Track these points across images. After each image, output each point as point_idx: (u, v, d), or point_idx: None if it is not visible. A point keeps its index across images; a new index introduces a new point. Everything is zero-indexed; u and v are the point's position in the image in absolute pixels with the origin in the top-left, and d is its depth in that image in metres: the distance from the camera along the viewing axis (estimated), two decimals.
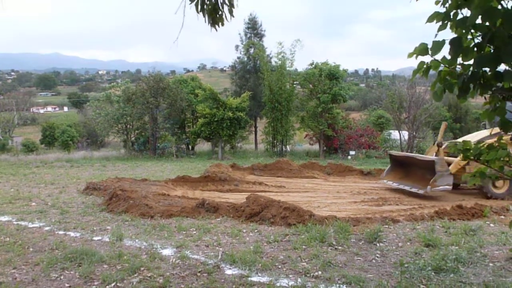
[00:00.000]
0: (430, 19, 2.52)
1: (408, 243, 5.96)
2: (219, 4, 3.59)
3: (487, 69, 2.43)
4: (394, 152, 13.01)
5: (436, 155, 11.29)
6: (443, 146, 11.69)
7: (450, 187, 10.53)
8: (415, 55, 2.55)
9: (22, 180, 13.81)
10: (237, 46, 30.54)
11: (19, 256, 5.40)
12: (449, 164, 10.69)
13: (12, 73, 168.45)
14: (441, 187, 10.36)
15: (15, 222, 7.41)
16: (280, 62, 25.14)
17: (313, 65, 25.76)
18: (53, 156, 25.00)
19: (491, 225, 7.02)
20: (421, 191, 10.30)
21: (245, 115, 24.27)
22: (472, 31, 2.38)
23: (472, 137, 11.51)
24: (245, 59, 30.52)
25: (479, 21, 2.31)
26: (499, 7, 2.29)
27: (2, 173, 15.95)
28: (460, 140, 11.53)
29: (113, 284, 4.40)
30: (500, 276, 4.57)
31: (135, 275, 4.67)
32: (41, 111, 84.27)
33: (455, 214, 7.56)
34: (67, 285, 4.43)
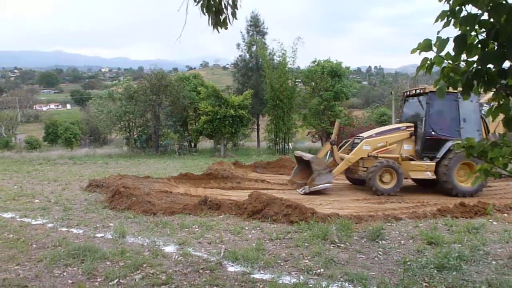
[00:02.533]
0: (437, 19, 2.50)
1: (411, 241, 5.95)
2: (223, 6, 3.56)
3: (491, 66, 2.41)
4: (297, 152, 13.03)
5: (331, 153, 11.36)
6: (348, 144, 11.70)
7: (330, 185, 10.59)
8: (418, 51, 2.54)
9: (25, 177, 13.86)
10: (239, 44, 30.51)
11: (22, 253, 5.42)
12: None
13: (15, 71, 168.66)
14: (320, 185, 10.40)
15: (19, 219, 7.45)
16: (280, 59, 25.11)
17: (316, 63, 25.72)
18: (56, 154, 25.09)
19: (494, 223, 7.00)
20: (302, 191, 10.37)
21: (247, 113, 24.27)
22: (477, 27, 2.36)
23: (370, 132, 11.56)
24: (247, 56, 30.48)
25: (483, 17, 2.29)
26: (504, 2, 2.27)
27: (6, 170, 16.02)
28: (362, 134, 11.60)
29: (115, 281, 4.41)
30: (503, 274, 4.56)
31: (138, 271, 4.68)
32: (44, 108, 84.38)
33: (457, 212, 7.55)
34: (70, 281, 4.45)
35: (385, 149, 10.84)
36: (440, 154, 10.49)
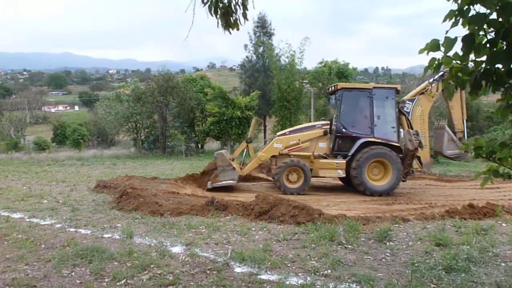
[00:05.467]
0: (445, 19, 2.49)
1: (419, 242, 5.91)
2: (232, 7, 3.53)
3: (500, 65, 2.39)
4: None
5: (247, 152, 11.51)
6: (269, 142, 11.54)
7: (234, 181, 10.61)
8: (426, 51, 2.52)
9: (34, 178, 13.97)
10: (246, 45, 30.53)
11: (31, 253, 5.46)
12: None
13: (24, 73, 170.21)
14: (223, 181, 10.48)
15: (27, 219, 7.50)
16: (289, 60, 25.11)
17: (323, 64, 25.68)
18: (64, 155, 25.27)
19: (503, 224, 6.94)
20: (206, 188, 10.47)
21: (254, 114, 24.29)
22: (485, 27, 2.35)
23: (286, 130, 11.65)
24: (254, 58, 30.48)
25: (492, 17, 2.27)
26: None
27: (15, 171, 16.16)
28: (280, 132, 11.54)
29: (123, 281, 4.43)
30: None
31: (145, 272, 4.70)
32: (53, 110, 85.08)
33: (466, 214, 7.48)
34: (78, 281, 4.47)
35: (297, 147, 10.79)
36: (351, 152, 10.41)
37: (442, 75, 10.98)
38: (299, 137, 10.85)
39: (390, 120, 10.59)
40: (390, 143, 10.41)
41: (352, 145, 10.49)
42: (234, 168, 10.70)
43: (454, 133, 11.10)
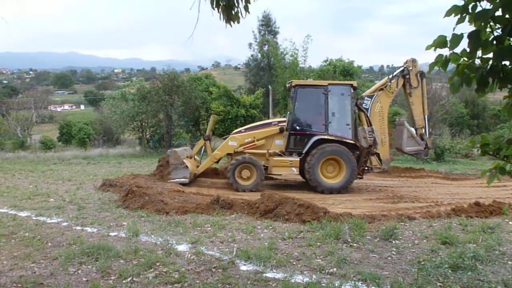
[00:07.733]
0: (448, 13, 2.48)
1: (425, 241, 5.89)
2: (234, 0, 3.55)
3: (507, 62, 2.38)
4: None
5: (204, 149, 11.54)
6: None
7: (186, 180, 10.61)
8: (433, 48, 2.51)
9: (41, 176, 14.06)
10: (250, 44, 30.49)
11: (38, 251, 5.50)
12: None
13: (31, 72, 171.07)
14: (176, 179, 10.51)
15: (34, 218, 7.56)
16: (292, 58, 25.02)
17: (327, 62, 25.58)
18: (70, 153, 25.38)
19: (510, 222, 6.89)
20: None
21: (259, 112, 24.26)
22: (491, 23, 2.33)
23: (242, 128, 11.60)
24: (259, 56, 30.43)
25: (498, 13, 2.26)
26: None
27: (22, 170, 16.27)
28: (236, 130, 11.50)
29: (129, 279, 4.45)
30: None
31: (151, 270, 4.72)
32: (59, 109, 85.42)
33: (472, 212, 7.44)
34: (84, 279, 4.50)
35: (252, 145, 10.74)
36: (304, 150, 10.34)
37: (402, 71, 10.87)
38: (254, 134, 10.85)
39: (346, 117, 10.49)
40: (345, 140, 10.34)
41: (307, 142, 10.44)
42: (186, 166, 10.73)
43: (416, 129, 10.99)
